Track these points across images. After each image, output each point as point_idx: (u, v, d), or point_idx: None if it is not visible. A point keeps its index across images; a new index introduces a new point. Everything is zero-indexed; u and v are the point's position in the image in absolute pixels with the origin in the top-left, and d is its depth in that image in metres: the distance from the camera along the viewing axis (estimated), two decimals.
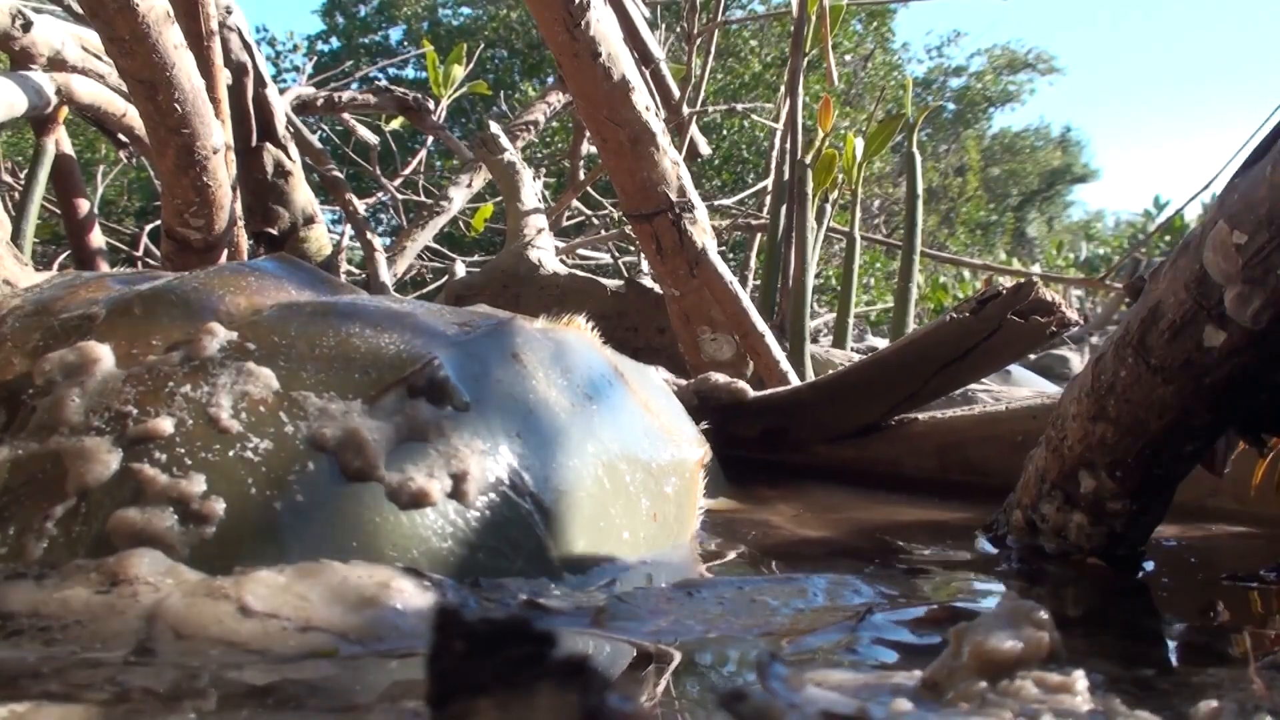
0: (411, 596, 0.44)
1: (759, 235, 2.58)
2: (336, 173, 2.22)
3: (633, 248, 2.71)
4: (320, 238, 1.81)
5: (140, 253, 2.69)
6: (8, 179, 2.18)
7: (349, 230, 2.22)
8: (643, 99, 1.22)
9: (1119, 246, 6.69)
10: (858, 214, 1.79)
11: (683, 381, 1.08)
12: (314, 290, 0.62)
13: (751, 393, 1.04)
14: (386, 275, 1.92)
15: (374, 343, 0.55)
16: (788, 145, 1.66)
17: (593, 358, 0.68)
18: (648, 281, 1.89)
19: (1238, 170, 0.51)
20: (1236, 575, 0.60)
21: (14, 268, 1.03)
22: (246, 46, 1.65)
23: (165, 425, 0.48)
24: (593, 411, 0.62)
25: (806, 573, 0.54)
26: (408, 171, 2.91)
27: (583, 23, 1.12)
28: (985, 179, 10.29)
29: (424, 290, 3.07)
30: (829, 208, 1.73)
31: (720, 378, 1.05)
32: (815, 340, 2.04)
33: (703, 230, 1.29)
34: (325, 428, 0.50)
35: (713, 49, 2.47)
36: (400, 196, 2.78)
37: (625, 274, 2.57)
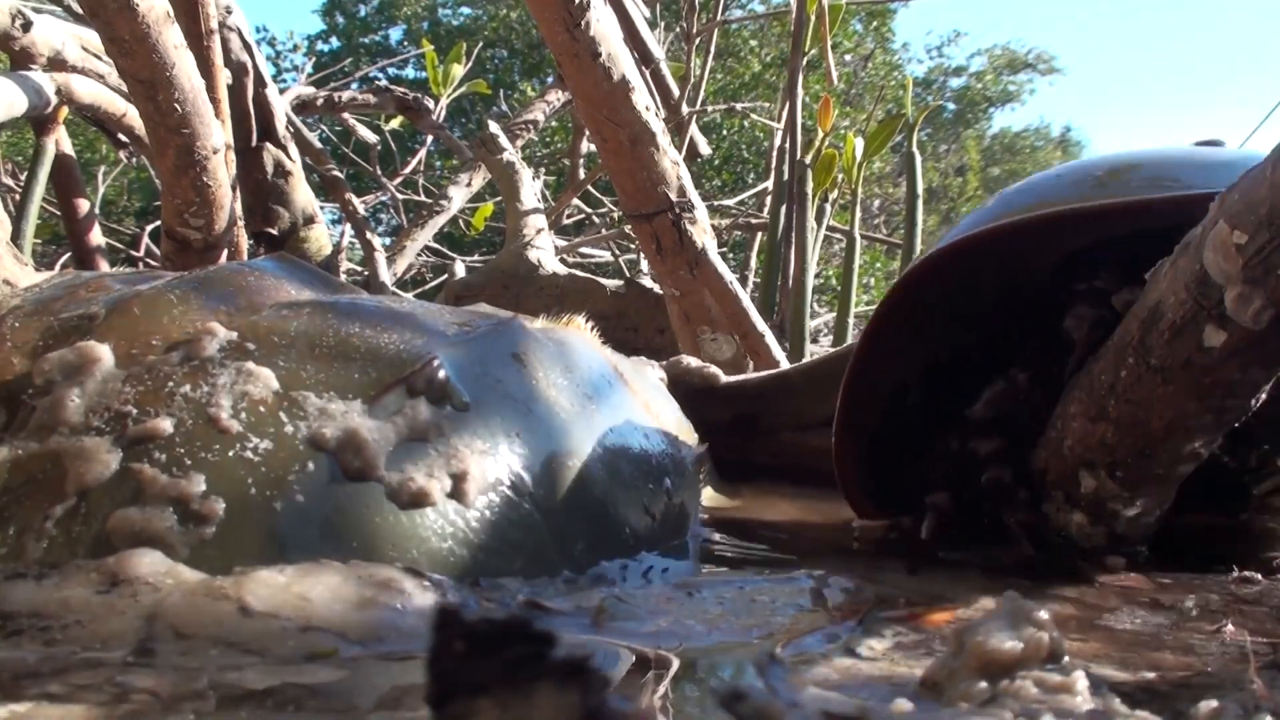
0: (411, 596, 0.44)
1: (759, 235, 2.58)
2: (336, 173, 2.22)
3: (633, 246, 2.72)
4: (320, 238, 1.81)
5: (140, 253, 2.69)
6: (7, 179, 2.18)
7: (349, 230, 2.22)
8: (643, 99, 1.22)
9: None
10: (858, 214, 1.79)
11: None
12: (313, 290, 0.62)
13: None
14: (386, 275, 1.92)
15: (374, 342, 0.55)
16: (787, 145, 1.66)
17: (593, 358, 0.68)
18: (648, 281, 1.89)
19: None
20: (1237, 575, 0.60)
21: (14, 268, 1.03)
22: (246, 46, 1.65)
23: (165, 425, 0.48)
24: (593, 411, 0.62)
25: (806, 572, 0.54)
26: (408, 171, 2.91)
27: (583, 23, 1.12)
28: (985, 179, 10.28)
29: (423, 289, 3.07)
30: (829, 208, 1.73)
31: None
32: (815, 340, 2.04)
33: (703, 230, 1.29)
34: (325, 428, 0.50)
35: (712, 49, 2.47)
36: (400, 196, 2.78)
37: (626, 273, 2.57)
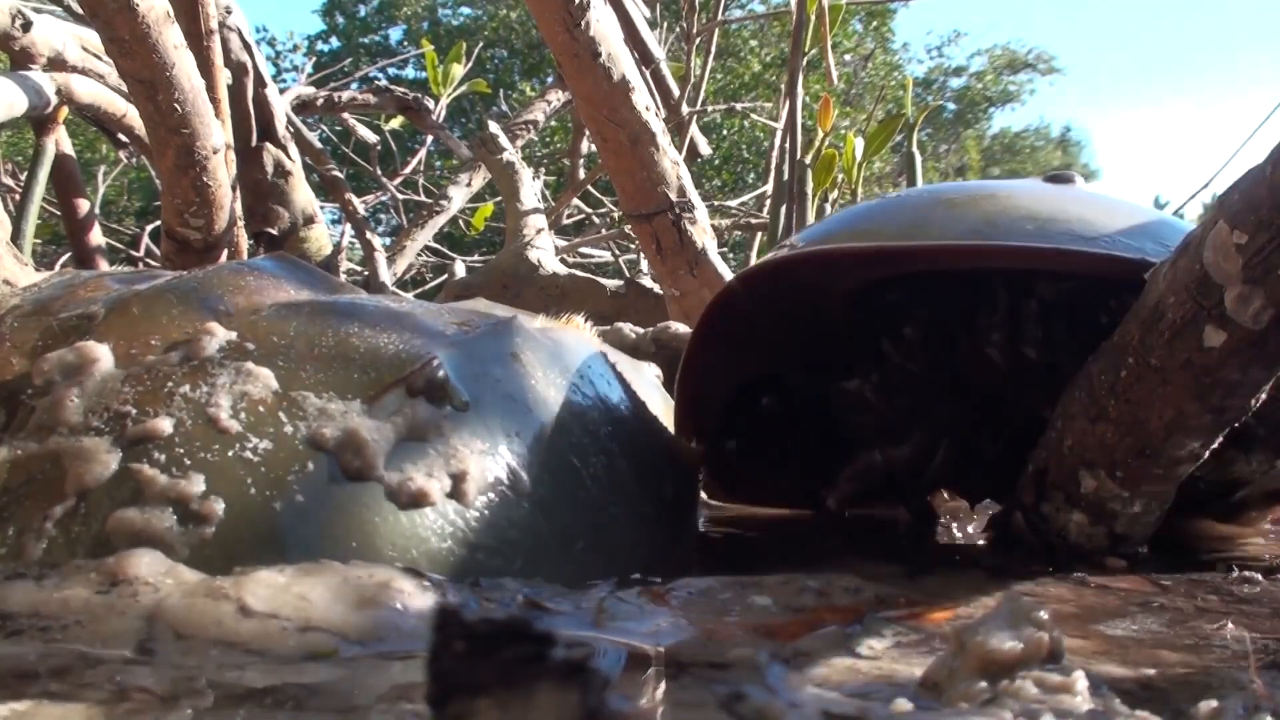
0: (411, 596, 0.44)
1: (759, 235, 2.58)
2: (336, 173, 2.22)
3: (633, 246, 2.72)
4: (320, 238, 1.81)
5: (140, 253, 2.69)
6: (8, 179, 2.18)
7: (349, 230, 2.22)
8: (643, 99, 1.22)
9: None
10: None
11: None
12: (313, 289, 0.62)
13: None
14: (386, 275, 1.92)
15: (373, 342, 0.55)
16: (787, 145, 1.66)
17: (592, 357, 0.68)
18: (648, 281, 1.89)
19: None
20: (1237, 575, 0.60)
21: (14, 268, 1.03)
22: (246, 46, 1.65)
23: (164, 425, 0.48)
24: (592, 411, 0.62)
25: (806, 572, 0.54)
26: (408, 171, 2.91)
27: (583, 23, 1.12)
28: (985, 179, 10.28)
29: (423, 289, 3.07)
30: (829, 208, 1.73)
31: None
32: None
33: (703, 230, 1.29)
34: (324, 428, 0.50)
35: (713, 49, 2.47)
36: (400, 196, 2.78)
37: (626, 273, 2.57)
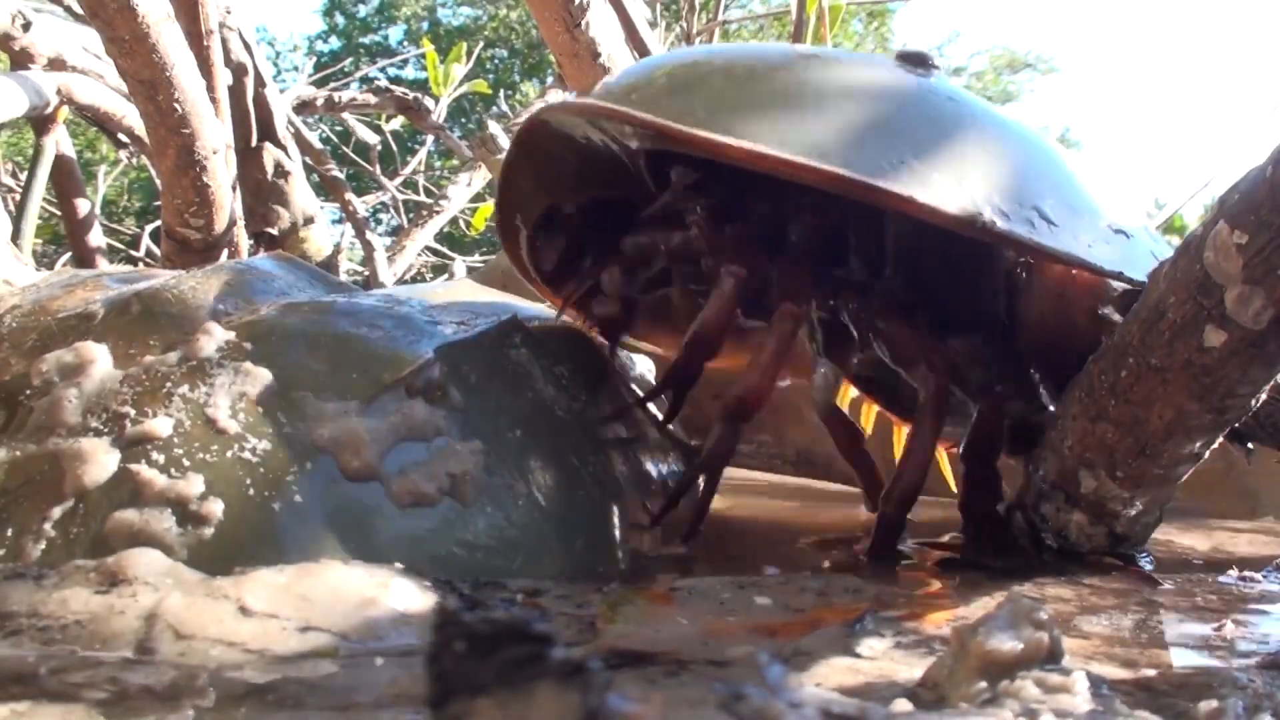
0: (411, 597, 0.44)
1: None
2: (336, 173, 2.22)
3: None
4: (320, 238, 1.81)
5: (140, 253, 2.69)
6: (8, 179, 2.18)
7: (349, 230, 2.22)
8: None
9: None
10: None
11: None
12: (312, 289, 0.62)
13: None
14: (386, 275, 1.92)
15: (372, 342, 0.55)
16: None
17: (590, 354, 0.68)
18: None
19: None
20: (1237, 575, 0.60)
21: (14, 267, 1.03)
22: (246, 46, 1.64)
23: (163, 426, 0.48)
24: (591, 408, 0.62)
25: (806, 572, 0.54)
26: (408, 171, 2.91)
27: (583, 23, 1.12)
28: None
29: None
30: None
31: None
32: None
33: None
34: (323, 428, 0.50)
35: None
36: (400, 196, 2.78)
37: None
